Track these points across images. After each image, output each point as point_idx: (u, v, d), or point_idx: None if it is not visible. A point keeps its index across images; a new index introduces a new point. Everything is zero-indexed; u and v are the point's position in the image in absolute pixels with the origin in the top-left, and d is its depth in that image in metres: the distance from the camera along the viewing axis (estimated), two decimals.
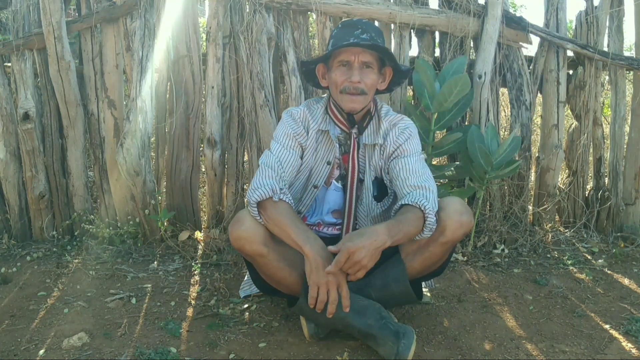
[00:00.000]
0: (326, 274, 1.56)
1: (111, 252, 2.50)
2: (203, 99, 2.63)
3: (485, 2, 2.61)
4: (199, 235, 2.63)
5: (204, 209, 2.89)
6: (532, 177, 2.92)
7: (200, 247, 2.57)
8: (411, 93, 2.90)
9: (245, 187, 2.75)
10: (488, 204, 2.75)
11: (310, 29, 2.75)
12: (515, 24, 2.65)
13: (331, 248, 1.57)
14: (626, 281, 2.35)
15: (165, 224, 2.59)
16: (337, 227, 1.91)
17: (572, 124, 2.89)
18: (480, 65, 2.64)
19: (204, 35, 2.95)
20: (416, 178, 1.76)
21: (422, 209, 1.64)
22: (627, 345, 1.80)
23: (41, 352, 1.69)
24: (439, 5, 2.70)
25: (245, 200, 2.74)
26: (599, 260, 2.53)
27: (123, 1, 2.49)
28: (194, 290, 2.17)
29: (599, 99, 2.82)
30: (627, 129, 2.90)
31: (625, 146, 2.86)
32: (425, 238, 1.69)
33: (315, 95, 2.58)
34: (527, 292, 2.20)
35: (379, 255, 1.56)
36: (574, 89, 2.76)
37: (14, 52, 2.50)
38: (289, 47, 2.56)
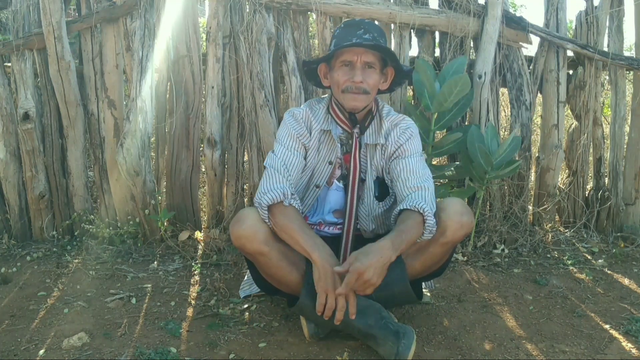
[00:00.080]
0: (337, 294, 1.55)
1: (111, 252, 2.50)
2: (203, 99, 2.63)
3: (485, 2, 2.61)
4: (199, 235, 2.63)
5: (204, 209, 2.89)
6: (532, 177, 2.92)
7: (200, 247, 2.57)
8: (411, 93, 2.90)
9: (245, 187, 2.76)
10: (488, 204, 2.75)
11: (310, 29, 2.75)
12: (515, 24, 2.65)
13: (338, 269, 1.55)
14: (626, 281, 2.35)
15: (165, 224, 2.59)
16: (338, 226, 1.91)
17: (572, 124, 2.89)
18: (480, 65, 2.64)
19: (204, 35, 2.95)
20: (416, 179, 1.77)
21: (422, 212, 1.64)
22: (627, 345, 1.81)
23: (41, 352, 1.69)
24: (439, 5, 2.70)
25: (245, 200, 2.75)
26: (599, 260, 2.53)
27: (123, 1, 2.49)
28: (194, 290, 2.17)
29: (599, 99, 2.82)
30: (627, 129, 2.90)
31: (625, 146, 2.86)
32: (426, 240, 1.69)
33: (316, 95, 2.58)
34: (527, 292, 2.20)
35: (385, 271, 1.55)
36: (574, 89, 2.76)
37: (14, 52, 2.50)
38: (289, 47, 2.56)
